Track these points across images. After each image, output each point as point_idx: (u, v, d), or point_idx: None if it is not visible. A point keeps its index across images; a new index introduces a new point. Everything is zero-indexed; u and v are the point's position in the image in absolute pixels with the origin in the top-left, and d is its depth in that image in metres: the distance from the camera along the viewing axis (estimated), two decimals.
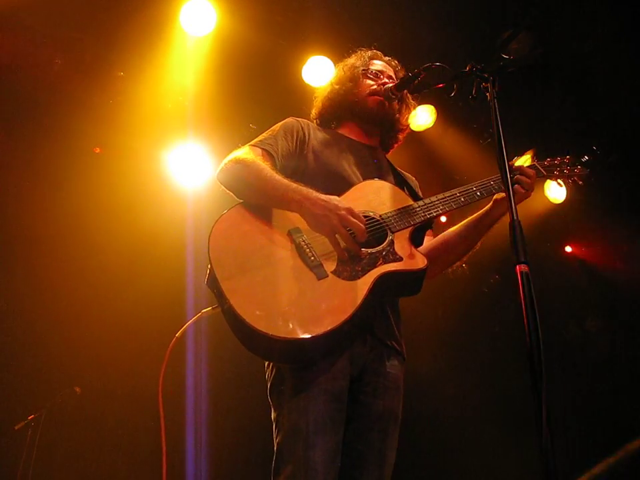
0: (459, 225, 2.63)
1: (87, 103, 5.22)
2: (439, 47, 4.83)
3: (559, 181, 2.79)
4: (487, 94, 2.16)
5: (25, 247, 5.74)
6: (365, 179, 2.57)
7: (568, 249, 7.19)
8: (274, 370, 2.34)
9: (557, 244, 7.19)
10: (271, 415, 2.32)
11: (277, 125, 2.65)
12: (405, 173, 2.87)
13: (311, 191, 2.27)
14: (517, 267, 1.75)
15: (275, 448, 2.22)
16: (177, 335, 2.66)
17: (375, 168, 2.68)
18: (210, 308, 2.53)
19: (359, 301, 2.15)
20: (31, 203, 5.66)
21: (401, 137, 2.91)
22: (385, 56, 2.96)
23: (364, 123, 2.79)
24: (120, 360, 5.76)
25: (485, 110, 2.16)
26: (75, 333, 5.75)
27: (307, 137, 2.62)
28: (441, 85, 2.44)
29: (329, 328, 2.07)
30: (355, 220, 2.21)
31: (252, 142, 2.55)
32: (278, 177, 2.31)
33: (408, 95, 2.87)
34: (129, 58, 5.03)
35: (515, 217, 1.86)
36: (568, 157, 2.82)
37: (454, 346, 6.96)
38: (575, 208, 6.35)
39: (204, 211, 5.45)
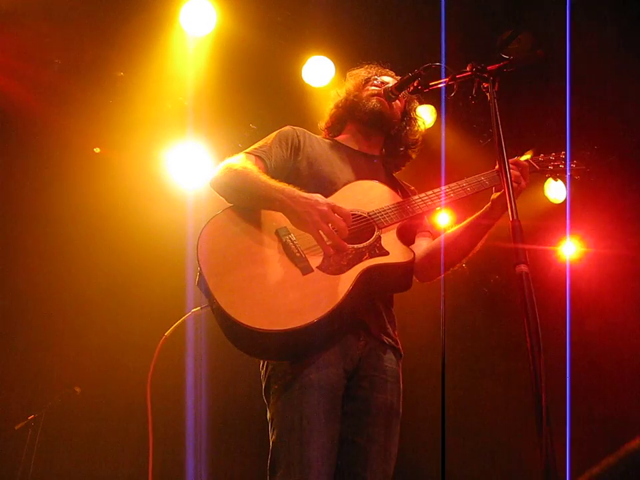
0: (458, 226, 2.59)
1: (87, 102, 5.22)
2: (438, 47, 4.82)
3: (555, 176, 2.79)
4: (487, 94, 2.16)
5: (24, 247, 5.74)
6: None
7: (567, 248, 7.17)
8: (268, 369, 2.36)
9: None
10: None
11: (272, 133, 2.67)
12: (402, 182, 2.86)
13: (293, 189, 2.29)
14: (517, 267, 1.74)
15: (271, 446, 2.23)
16: (165, 334, 2.69)
17: (370, 177, 2.67)
18: (199, 307, 2.55)
19: (344, 293, 2.17)
20: (30, 203, 5.66)
21: (410, 152, 2.89)
22: (388, 65, 2.97)
23: (364, 126, 2.79)
24: (120, 360, 5.76)
25: (485, 110, 2.16)
26: (74, 333, 5.75)
27: (301, 145, 2.64)
28: (440, 85, 2.44)
29: (313, 319, 2.08)
30: (336, 215, 2.23)
31: (247, 149, 2.58)
32: (263, 178, 2.34)
33: (413, 109, 2.88)
34: (129, 58, 5.02)
35: (515, 217, 1.85)
36: (563, 152, 2.80)
37: (454, 346, 6.95)
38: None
39: (204, 211, 5.44)
